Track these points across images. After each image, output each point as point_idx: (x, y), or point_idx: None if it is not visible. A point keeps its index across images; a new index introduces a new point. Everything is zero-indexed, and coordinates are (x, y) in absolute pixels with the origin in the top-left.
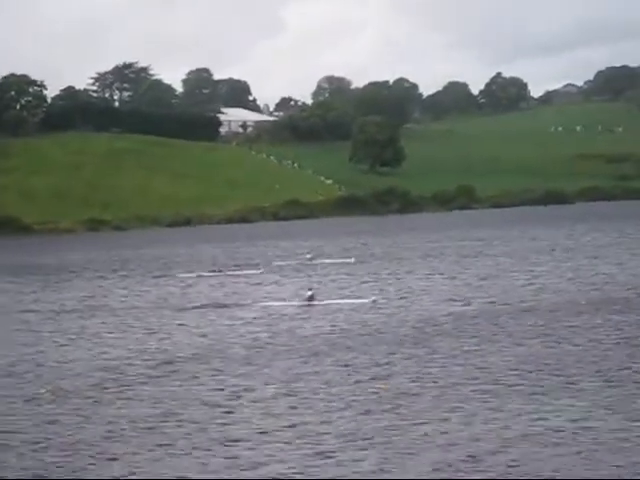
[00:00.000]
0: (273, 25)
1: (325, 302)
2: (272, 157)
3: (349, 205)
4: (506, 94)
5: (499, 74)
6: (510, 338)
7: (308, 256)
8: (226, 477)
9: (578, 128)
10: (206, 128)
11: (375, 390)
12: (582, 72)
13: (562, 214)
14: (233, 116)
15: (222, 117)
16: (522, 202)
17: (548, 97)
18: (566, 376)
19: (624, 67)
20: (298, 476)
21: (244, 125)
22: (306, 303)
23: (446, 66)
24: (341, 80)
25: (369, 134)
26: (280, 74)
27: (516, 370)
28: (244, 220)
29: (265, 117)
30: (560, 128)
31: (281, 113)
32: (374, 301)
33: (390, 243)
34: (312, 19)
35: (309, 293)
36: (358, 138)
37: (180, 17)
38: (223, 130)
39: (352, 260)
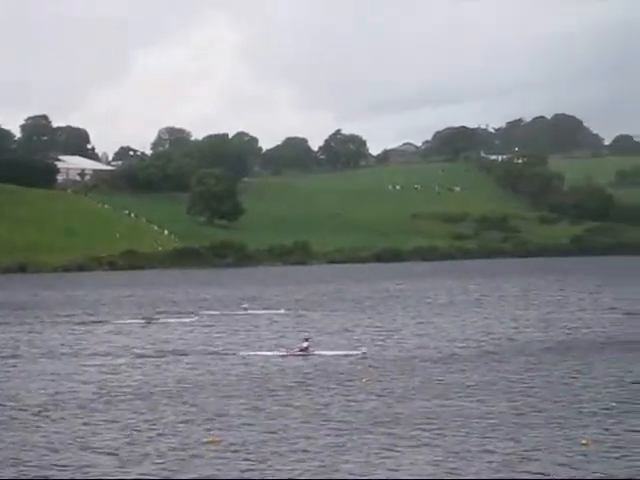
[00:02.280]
0: (116, 73)
1: (320, 352)
2: (110, 206)
3: (186, 256)
4: (345, 151)
5: (339, 131)
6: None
7: (245, 306)
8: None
9: (416, 187)
10: (43, 175)
11: None
12: (420, 132)
13: (397, 271)
14: (71, 164)
15: (60, 165)
16: (358, 259)
17: (386, 155)
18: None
19: (462, 128)
20: None
21: (82, 173)
22: (303, 353)
23: (287, 121)
24: (181, 131)
25: (207, 186)
26: (121, 123)
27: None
28: (81, 269)
29: (103, 166)
30: (398, 187)
31: (120, 162)
32: (364, 353)
33: (277, 293)
34: (156, 68)
35: (305, 344)
36: (196, 190)
37: (22, 62)
38: (61, 178)
39: (283, 311)
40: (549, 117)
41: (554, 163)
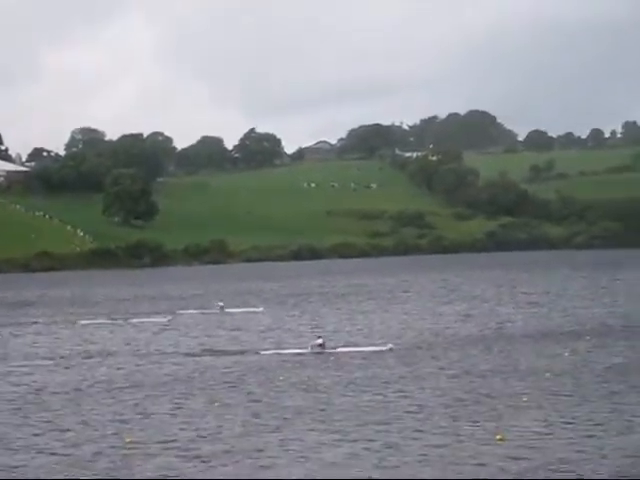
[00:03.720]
0: (28, 72)
1: (339, 349)
2: (23, 207)
3: (101, 257)
4: (260, 149)
5: (253, 129)
6: None
7: (220, 304)
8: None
9: (332, 185)
10: None
11: None
12: (335, 130)
13: (312, 269)
14: None
15: None
16: (274, 257)
17: (301, 154)
18: None
19: (377, 125)
20: None
21: None
22: (318, 350)
23: (202, 119)
24: (95, 131)
25: (122, 187)
26: (34, 123)
27: None
28: None
29: (17, 167)
30: (313, 184)
31: (33, 163)
32: (391, 349)
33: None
34: (70, 67)
35: (319, 341)
36: (111, 190)
37: None
38: None
39: (261, 309)
40: (463, 113)
41: (469, 159)
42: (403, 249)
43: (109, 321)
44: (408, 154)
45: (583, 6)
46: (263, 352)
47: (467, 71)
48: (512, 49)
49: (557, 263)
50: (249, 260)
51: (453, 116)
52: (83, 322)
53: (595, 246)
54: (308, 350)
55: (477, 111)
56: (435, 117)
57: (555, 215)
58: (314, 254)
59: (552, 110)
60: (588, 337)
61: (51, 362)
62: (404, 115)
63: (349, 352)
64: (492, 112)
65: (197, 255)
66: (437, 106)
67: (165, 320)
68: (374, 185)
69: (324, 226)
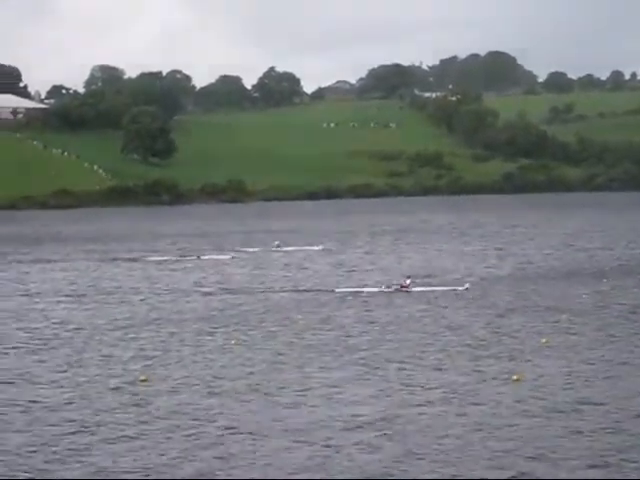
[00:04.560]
0: (46, 10)
1: (419, 288)
2: (42, 144)
3: (119, 196)
4: (279, 89)
5: (272, 69)
6: None
7: (276, 243)
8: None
9: (351, 124)
10: None
11: None
12: (354, 70)
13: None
14: (3, 102)
15: None
16: (292, 197)
17: (321, 93)
18: None
19: (396, 65)
20: None
21: (14, 112)
22: (404, 290)
23: (221, 59)
24: (114, 69)
25: (141, 125)
26: (53, 61)
27: None
28: (12, 207)
29: (36, 104)
30: (332, 124)
31: (53, 101)
32: (467, 289)
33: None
34: (87, 5)
35: (408, 281)
36: (130, 128)
37: None
38: None
39: (320, 247)
40: (483, 54)
41: (488, 100)
42: (421, 189)
43: (180, 257)
44: (427, 94)
45: None
46: (338, 290)
47: (487, 12)
48: None
49: (577, 205)
50: (266, 199)
51: (473, 57)
52: (152, 259)
53: (614, 188)
54: (391, 290)
55: (497, 52)
56: (455, 57)
57: (574, 157)
58: (331, 194)
59: (572, 52)
60: (608, 279)
61: (166, 292)
62: (424, 55)
63: (431, 291)
64: (512, 53)
65: (214, 194)
66: (457, 47)
67: (229, 257)
68: (393, 125)
69: (342, 166)
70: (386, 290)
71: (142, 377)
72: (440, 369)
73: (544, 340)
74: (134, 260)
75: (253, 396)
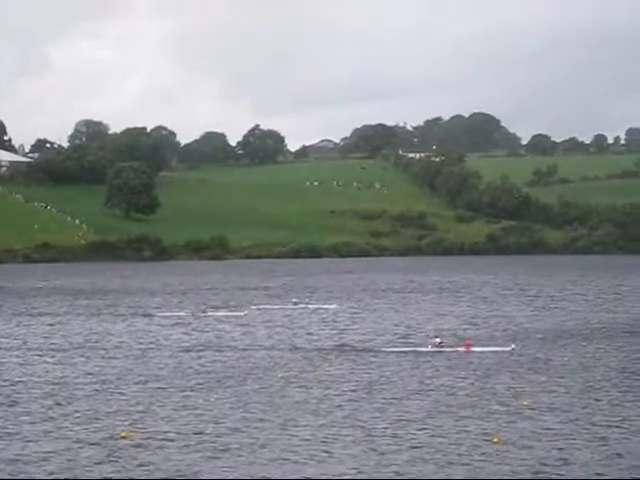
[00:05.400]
0: (35, 64)
1: (454, 348)
2: (25, 198)
3: (102, 250)
4: (264, 146)
5: (257, 126)
6: None
7: (294, 300)
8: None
9: (335, 183)
10: None
11: None
12: (339, 129)
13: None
14: None
15: None
16: (275, 255)
17: (305, 152)
18: None
19: (380, 125)
20: None
21: None
22: (438, 349)
23: (206, 115)
24: (99, 124)
25: (124, 180)
26: (39, 115)
27: None
28: None
29: (20, 158)
30: (316, 183)
31: (37, 155)
32: (513, 349)
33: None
34: (74, 60)
35: (438, 340)
36: (113, 183)
37: None
38: None
39: (334, 306)
40: (467, 116)
41: (471, 162)
42: (403, 249)
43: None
44: (411, 155)
45: (592, 12)
46: (384, 349)
47: (472, 74)
48: (518, 53)
49: (560, 268)
50: (249, 257)
51: (457, 118)
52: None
53: (595, 252)
54: (428, 349)
55: (481, 114)
56: (439, 119)
57: (556, 220)
58: (314, 253)
59: (556, 115)
60: (590, 341)
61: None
62: (408, 116)
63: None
64: (496, 115)
65: (198, 250)
66: (441, 108)
67: (242, 314)
68: (377, 184)
69: (325, 225)
70: (424, 349)
71: (123, 433)
72: (423, 428)
73: (526, 402)
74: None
75: (236, 452)
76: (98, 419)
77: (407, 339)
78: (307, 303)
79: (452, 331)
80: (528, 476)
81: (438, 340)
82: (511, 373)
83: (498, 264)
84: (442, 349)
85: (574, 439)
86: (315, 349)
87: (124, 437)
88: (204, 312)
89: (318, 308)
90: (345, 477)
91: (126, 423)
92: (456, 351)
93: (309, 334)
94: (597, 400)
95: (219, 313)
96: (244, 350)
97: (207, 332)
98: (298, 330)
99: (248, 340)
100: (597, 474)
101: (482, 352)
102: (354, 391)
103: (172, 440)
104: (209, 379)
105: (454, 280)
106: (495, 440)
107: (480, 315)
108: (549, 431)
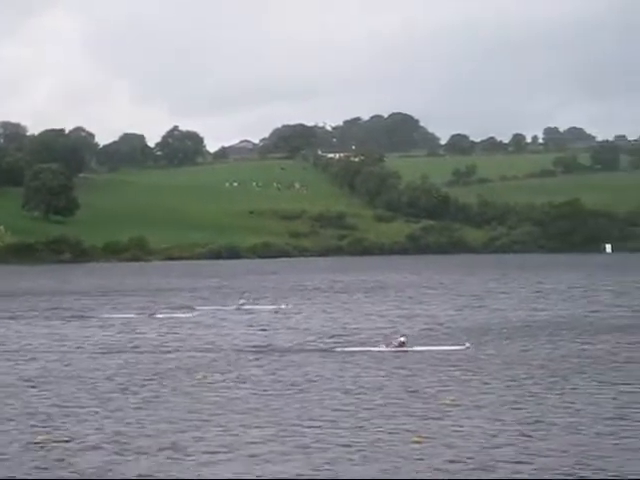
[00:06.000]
0: None
1: (416, 348)
2: None
3: (20, 252)
4: (182, 147)
5: (176, 127)
6: None
7: (241, 301)
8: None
9: (254, 184)
10: None
11: None
12: (258, 129)
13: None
14: None
15: None
16: (196, 256)
17: (224, 152)
18: None
19: (300, 125)
20: None
21: None
22: (400, 349)
23: (125, 117)
24: (17, 126)
25: (43, 181)
26: None
27: None
28: None
29: None
30: (235, 184)
31: None
32: (468, 347)
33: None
34: None
35: (401, 339)
36: (31, 185)
37: None
38: None
39: (284, 306)
40: (386, 116)
41: (391, 162)
42: (323, 250)
43: (135, 315)
44: (331, 155)
45: (506, 13)
46: (339, 349)
47: (391, 74)
48: (436, 53)
49: (481, 266)
50: (169, 258)
51: (376, 118)
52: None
53: (515, 250)
54: (389, 349)
55: (400, 114)
56: (358, 119)
57: (476, 219)
58: (234, 253)
59: (474, 115)
60: (513, 339)
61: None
62: (328, 116)
63: (429, 350)
64: (415, 115)
65: (116, 252)
66: (361, 108)
67: (191, 315)
68: (297, 185)
69: (244, 225)
70: (384, 349)
71: (42, 436)
72: (360, 427)
73: (449, 400)
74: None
75: (166, 453)
76: (12, 420)
77: (341, 339)
78: (253, 304)
79: (384, 330)
80: (447, 476)
81: (402, 339)
82: (437, 372)
83: (419, 263)
84: (403, 349)
85: (496, 437)
86: (240, 350)
87: (38, 442)
88: (152, 314)
89: (252, 309)
90: (268, 477)
91: (42, 426)
92: (395, 350)
93: (238, 335)
94: (520, 397)
95: (166, 315)
96: (169, 352)
97: (130, 334)
98: (230, 331)
99: (176, 342)
100: (516, 472)
101: (418, 351)
102: (279, 391)
103: (88, 442)
104: (129, 381)
105: (379, 279)
106: (416, 439)
107: (408, 314)
108: (472, 429)
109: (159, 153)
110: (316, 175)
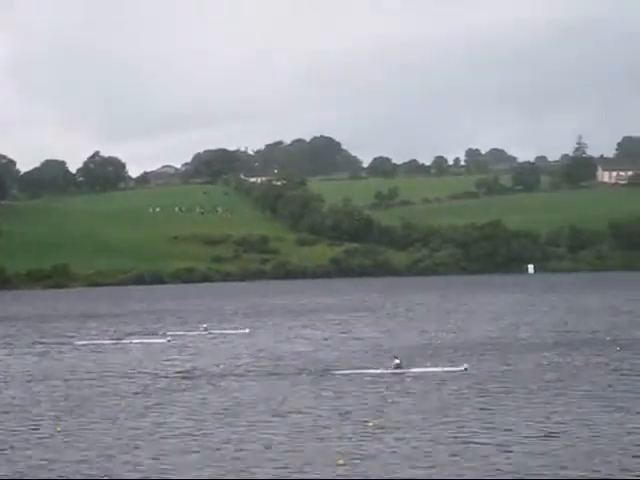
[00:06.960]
0: None
1: (414, 370)
2: None
3: None
4: (104, 173)
5: (97, 153)
6: None
7: (204, 326)
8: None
9: (177, 209)
10: None
11: None
12: (180, 154)
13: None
14: None
15: None
16: (119, 282)
17: (146, 178)
18: None
19: (221, 150)
20: None
21: None
22: (397, 371)
23: (46, 143)
24: None
25: None
26: None
27: None
28: None
29: None
30: (158, 209)
31: None
32: (466, 369)
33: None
34: None
35: (396, 361)
36: None
37: None
38: None
39: (247, 331)
40: (308, 139)
41: (313, 185)
42: (246, 274)
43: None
44: (253, 179)
45: (425, 35)
46: (339, 372)
47: (313, 97)
48: (357, 76)
49: (405, 288)
50: (92, 284)
51: (298, 142)
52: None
53: (438, 272)
54: (387, 371)
55: (322, 137)
56: (280, 142)
57: (399, 241)
58: (157, 279)
59: (396, 137)
60: (443, 357)
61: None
62: (249, 140)
63: (425, 372)
64: (337, 138)
65: (40, 279)
66: (282, 132)
67: (165, 341)
68: (220, 209)
69: (167, 251)
70: (382, 371)
71: None
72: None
73: (376, 423)
74: None
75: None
76: None
77: (269, 363)
78: (221, 329)
79: (311, 354)
80: None
81: (397, 361)
82: (369, 394)
83: (343, 287)
84: (400, 370)
85: (425, 458)
86: (171, 376)
87: None
88: (118, 339)
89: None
90: None
91: None
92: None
93: (169, 360)
94: (446, 418)
95: (136, 340)
96: (101, 378)
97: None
98: (160, 355)
99: (112, 368)
100: None
101: (355, 374)
102: (213, 415)
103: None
104: (59, 408)
105: (302, 303)
106: (340, 462)
107: (336, 337)
108: (396, 451)
109: (81, 179)
110: (239, 199)
